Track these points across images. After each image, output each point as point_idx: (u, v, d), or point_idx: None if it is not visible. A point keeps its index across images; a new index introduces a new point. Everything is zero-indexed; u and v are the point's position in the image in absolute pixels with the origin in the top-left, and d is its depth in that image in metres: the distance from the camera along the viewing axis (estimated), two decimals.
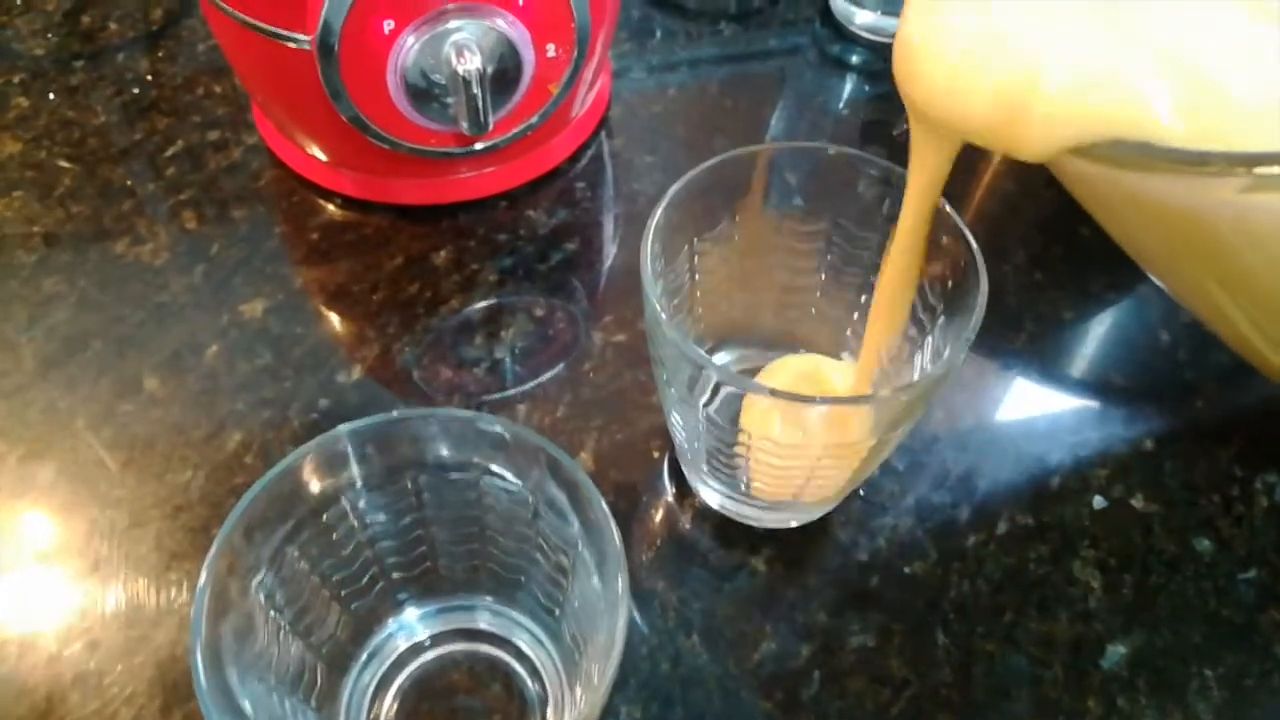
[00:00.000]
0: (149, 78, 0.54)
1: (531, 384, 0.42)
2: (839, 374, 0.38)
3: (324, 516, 0.28)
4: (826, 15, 0.59)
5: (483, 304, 0.44)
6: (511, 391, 0.41)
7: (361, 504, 0.29)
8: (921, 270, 0.32)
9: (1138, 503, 0.39)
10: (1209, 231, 0.26)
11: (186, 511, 0.38)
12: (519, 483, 0.29)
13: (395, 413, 0.28)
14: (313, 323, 0.43)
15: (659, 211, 0.31)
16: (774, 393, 0.28)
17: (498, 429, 0.27)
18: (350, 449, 0.28)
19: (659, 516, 0.38)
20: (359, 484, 0.28)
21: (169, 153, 0.50)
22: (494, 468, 0.29)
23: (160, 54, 0.55)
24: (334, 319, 0.44)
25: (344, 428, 0.27)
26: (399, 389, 0.41)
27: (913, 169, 0.29)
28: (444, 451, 0.28)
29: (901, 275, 0.31)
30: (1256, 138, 0.22)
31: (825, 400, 0.29)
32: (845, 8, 0.57)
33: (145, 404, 0.41)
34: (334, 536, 0.29)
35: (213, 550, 0.25)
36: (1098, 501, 0.39)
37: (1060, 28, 0.24)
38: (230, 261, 0.45)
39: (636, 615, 0.36)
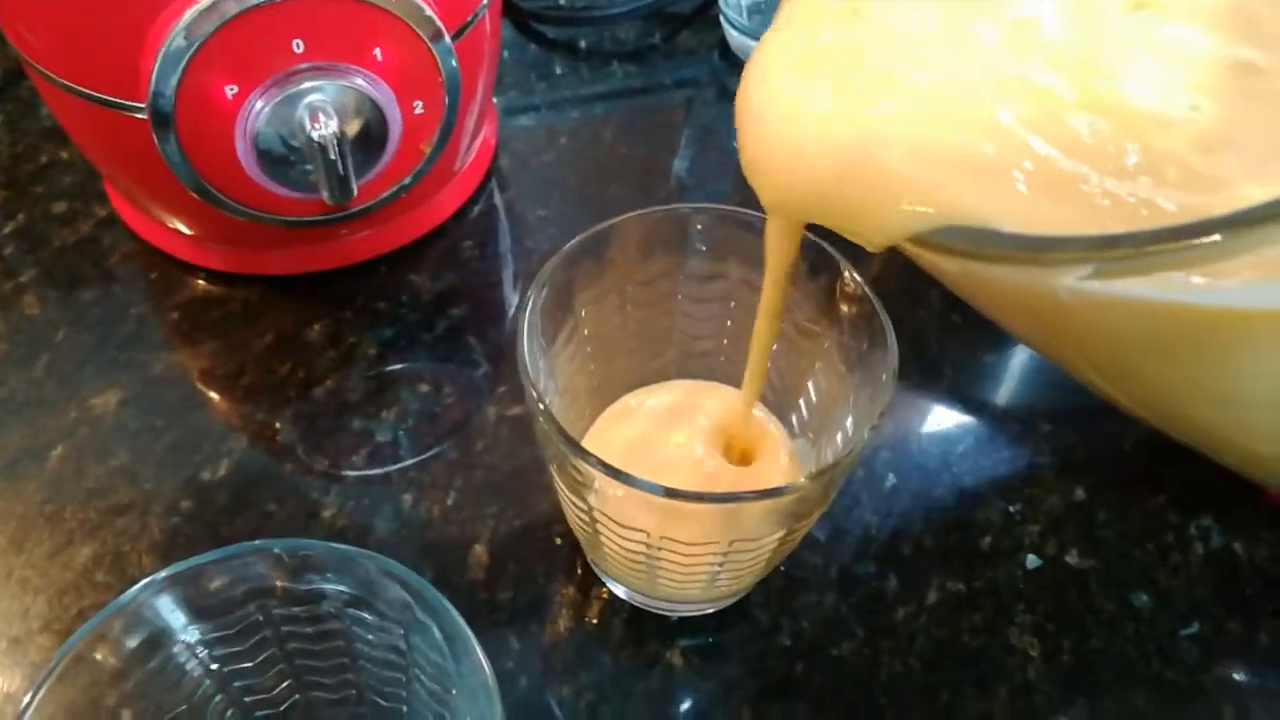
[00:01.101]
0: None
1: (418, 469, 0.38)
2: (716, 399, 0.36)
3: (152, 665, 0.24)
4: (724, 49, 0.57)
5: (362, 381, 0.40)
6: (395, 479, 0.38)
7: (200, 651, 0.25)
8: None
9: (1072, 559, 0.37)
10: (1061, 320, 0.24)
11: (26, 644, 0.33)
12: (381, 618, 0.25)
13: (226, 550, 0.24)
14: (174, 414, 0.39)
15: (530, 304, 0.29)
16: (670, 493, 0.25)
17: (356, 559, 0.24)
18: (174, 595, 0.24)
19: (564, 612, 0.35)
20: (189, 631, 0.25)
21: (7, 229, 0.45)
22: (353, 603, 0.25)
23: None
24: (198, 408, 0.40)
25: (162, 574, 0.23)
26: (269, 486, 0.37)
27: (769, 248, 0.28)
28: (291, 585, 0.25)
29: (769, 329, 0.31)
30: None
31: (722, 498, 0.26)
32: (742, 41, 0.54)
33: None
34: (174, 685, 0.25)
35: None
36: (1031, 561, 0.37)
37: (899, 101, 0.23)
38: (79, 350, 0.41)
39: None
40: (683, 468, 0.33)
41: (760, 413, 0.35)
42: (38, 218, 0.46)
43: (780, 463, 0.34)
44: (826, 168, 0.24)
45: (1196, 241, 0.18)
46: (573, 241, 0.31)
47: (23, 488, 0.37)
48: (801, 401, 0.34)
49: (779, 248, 0.28)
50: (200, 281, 0.43)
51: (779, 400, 0.35)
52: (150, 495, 0.37)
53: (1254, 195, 0.19)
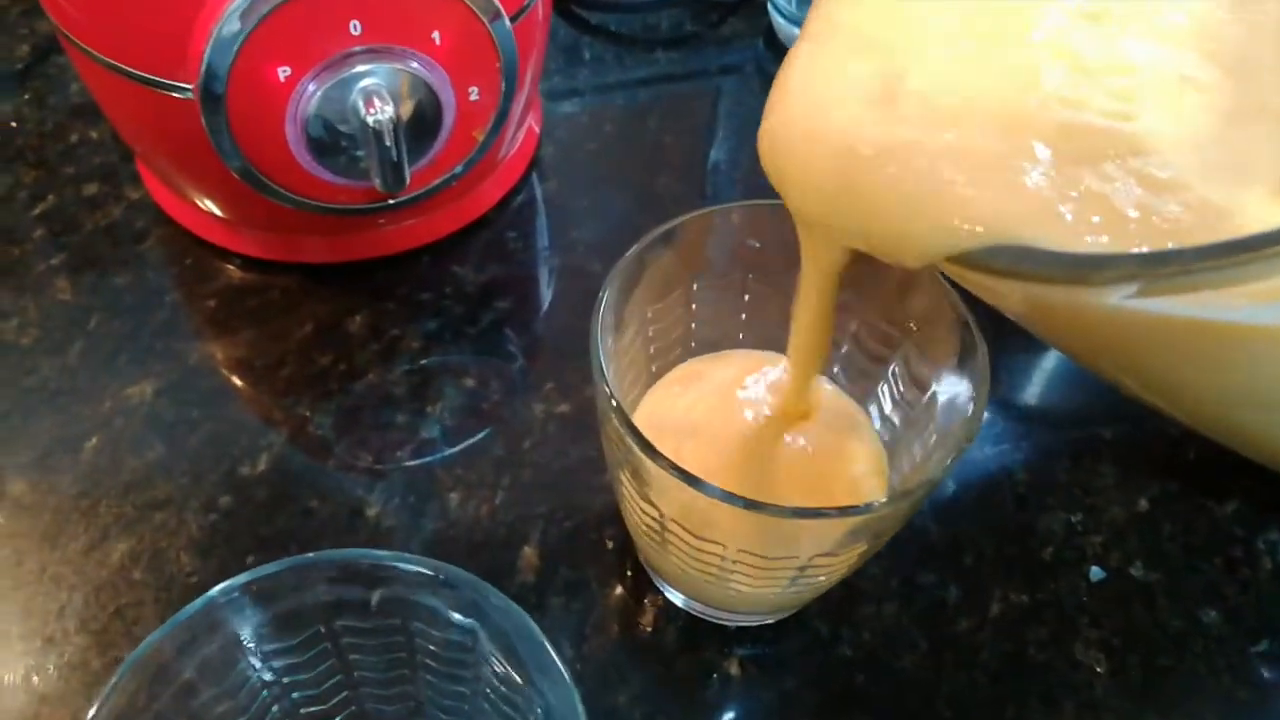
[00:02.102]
0: (13, 124, 0.47)
1: (464, 467, 0.37)
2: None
3: (216, 676, 0.23)
4: (770, 36, 0.55)
5: (405, 375, 0.39)
6: (441, 476, 0.36)
7: (260, 661, 0.24)
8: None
9: (1137, 571, 0.36)
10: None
11: (61, 644, 0.32)
12: (453, 628, 0.24)
13: (295, 559, 0.23)
14: (211, 406, 0.38)
15: (601, 302, 0.28)
16: (750, 505, 0.24)
17: (423, 570, 0.23)
18: (244, 605, 0.23)
19: (618, 618, 0.34)
20: (255, 641, 0.23)
21: (36, 211, 0.44)
22: (420, 613, 0.24)
23: (26, 96, 0.49)
24: (236, 400, 0.38)
25: (236, 583, 0.22)
26: (310, 483, 0.36)
27: (805, 268, 0.28)
28: (359, 597, 0.24)
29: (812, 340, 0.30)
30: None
31: (811, 513, 0.24)
32: (789, 29, 0.53)
33: (11, 512, 0.35)
34: (234, 695, 0.24)
35: None
36: (1095, 573, 0.36)
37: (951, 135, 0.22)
38: (113, 337, 0.40)
39: None
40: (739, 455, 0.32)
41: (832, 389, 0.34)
42: (68, 200, 0.44)
43: (855, 454, 0.33)
44: (873, 183, 0.23)
45: (1244, 257, 0.17)
46: (641, 241, 0.29)
47: (57, 480, 0.36)
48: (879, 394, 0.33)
49: (822, 263, 0.27)
50: (235, 268, 0.42)
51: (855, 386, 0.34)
52: (187, 490, 0.36)
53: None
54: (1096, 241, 0.20)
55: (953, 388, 0.28)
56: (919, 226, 0.22)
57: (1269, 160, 0.21)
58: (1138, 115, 0.21)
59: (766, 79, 0.53)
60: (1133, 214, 0.19)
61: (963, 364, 0.28)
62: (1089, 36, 0.23)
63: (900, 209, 0.22)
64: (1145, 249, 0.18)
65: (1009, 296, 0.23)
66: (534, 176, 0.47)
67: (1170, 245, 0.19)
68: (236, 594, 0.22)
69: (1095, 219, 0.20)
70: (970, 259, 0.21)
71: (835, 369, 0.34)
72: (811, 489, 0.31)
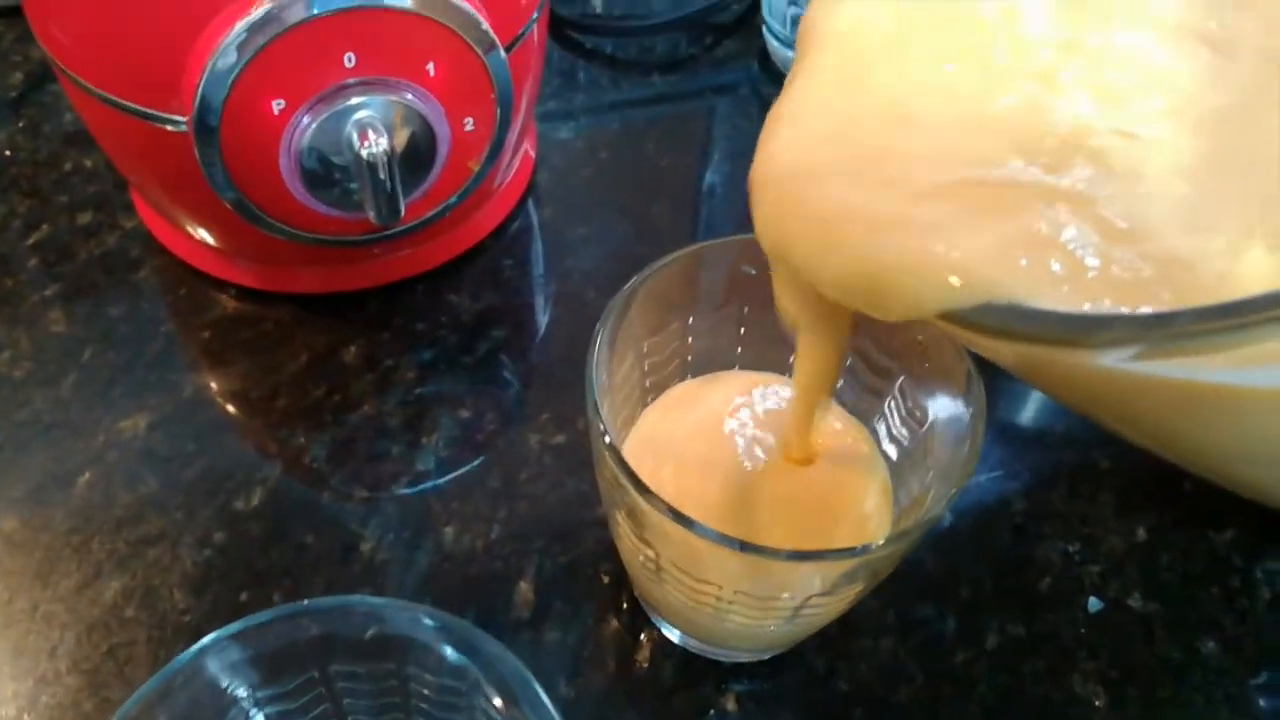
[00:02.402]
0: (7, 152, 0.47)
1: (460, 500, 0.37)
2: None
3: None
4: (764, 59, 0.55)
5: (400, 406, 0.39)
6: (436, 510, 0.36)
7: (254, 707, 0.24)
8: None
9: (1135, 602, 0.36)
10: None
11: (54, 684, 0.32)
12: (447, 671, 0.24)
13: (286, 608, 0.22)
14: (205, 439, 0.38)
15: (599, 333, 0.27)
16: (744, 546, 0.24)
17: (423, 619, 0.23)
18: (234, 653, 0.22)
19: (613, 654, 0.34)
20: (248, 688, 0.23)
21: (30, 241, 0.43)
22: (414, 656, 0.24)
23: (20, 124, 0.48)
24: (230, 433, 0.38)
25: (226, 632, 0.22)
26: (305, 517, 0.36)
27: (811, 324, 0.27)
28: (349, 642, 0.23)
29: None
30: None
31: (808, 556, 0.24)
32: (783, 52, 0.53)
33: (2, 549, 0.35)
34: None
35: None
36: (1093, 604, 0.36)
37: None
38: (106, 369, 0.39)
39: None
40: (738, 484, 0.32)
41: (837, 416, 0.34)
42: (62, 229, 0.44)
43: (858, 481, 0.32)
44: (858, 240, 0.22)
45: (1241, 320, 0.16)
46: (638, 276, 0.29)
47: (49, 515, 0.35)
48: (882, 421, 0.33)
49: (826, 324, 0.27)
50: (230, 298, 0.42)
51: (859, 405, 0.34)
52: (181, 525, 0.36)
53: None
54: (1060, 294, 0.19)
55: (950, 423, 0.28)
56: (907, 284, 0.21)
57: (1235, 210, 0.21)
58: (1109, 167, 0.21)
59: (761, 100, 0.54)
60: (1092, 263, 0.19)
61: (960, 396, 0.28)
62: (1056, 96, 0.23)
63: (889, 272, 0.21)
64: (1148, 310, 0.18)
65: (999, 350, 0.22)
66: (530, 203, 0.47)
67: (1151, 308, 0.18)
68: (226, 643, 0.22)
69: (1056, 267, 0.20)
70: (958, 317, 0.20)
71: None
72: (814, 528, 0.31)
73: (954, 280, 0.20)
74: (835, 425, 0.33)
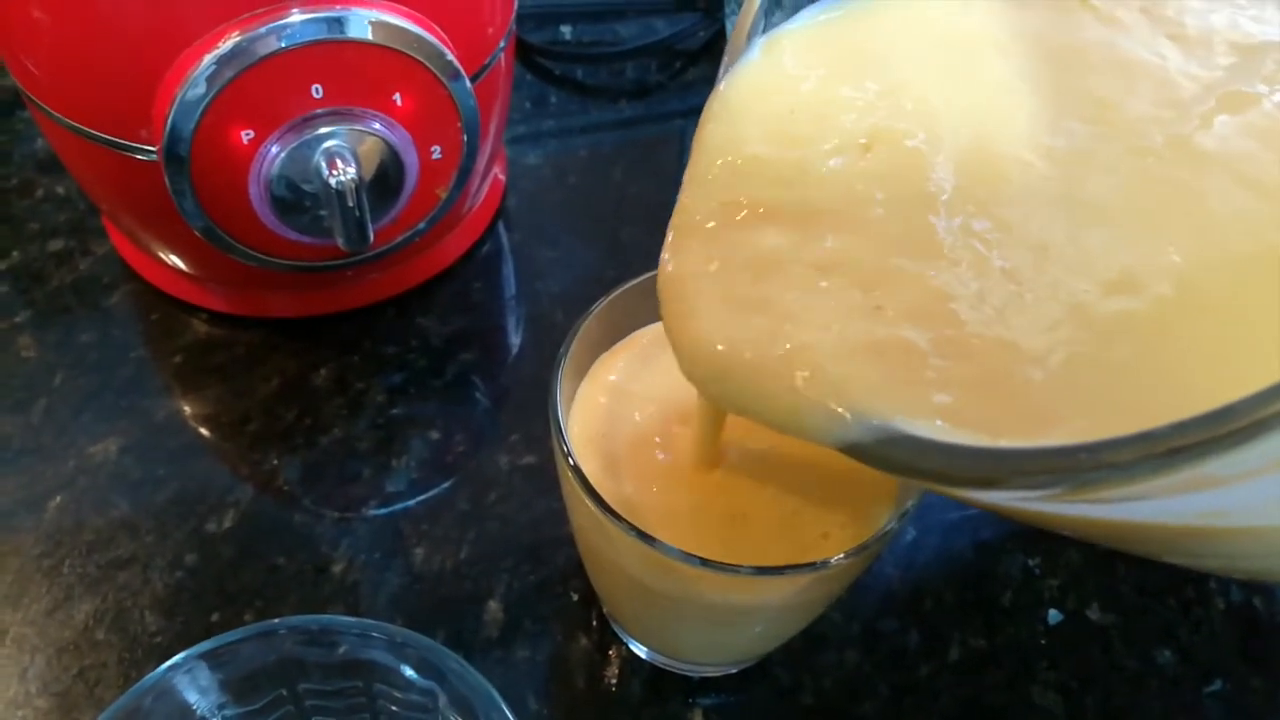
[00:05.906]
0: None
1: (430, 521, 0.37)
2: None
3: None
4: None
5: (371, 429, 0.40)
6: (407, 531, 0.37)
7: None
8: None
9: (1094, 614, 0.37)
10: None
11: (24, 707, 0.32)
12: (414, 690, 0.24)
13: (250, 628, 0.23)
14: (176, 462, 0.38)
15: (559, 364, 0.28)
16: (705, 563, 0.25)
17: (392, 639, 0.23)
18: (203, 672, 0.23)
19: (582, 671, 0.34)
20: (216, 707, 0.24)
21: (2, 265, 0.44)
22: (381, 675, 0.24)
23: None
24: (202, 456, 0.38)
25: (195, 651, 0.22)
26: (276, 539, 0.36)
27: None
28: (317, 661, 0.24)
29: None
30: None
31: (767, 571, 0.25)
32: None
33: None
34: None
35: None
36: (1053, 616, 0.37)
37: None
38: (77, 394, 0.40)
39: None
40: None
41: None
42: (33, 255, 0.44)
43: None
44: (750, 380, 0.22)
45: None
46: (600, 302, 0.30)
47: (20, 540, 0.36)
48: None
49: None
50: (202, 323, 0.42)
51: None
52: (152, 548, 0.36)
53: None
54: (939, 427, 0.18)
55: None
56: (802, 410, 0.21)
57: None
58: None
59: None
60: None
61: None
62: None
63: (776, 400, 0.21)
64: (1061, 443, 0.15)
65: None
66: (500, 226, 0.47)
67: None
68: (195, 661, 0.22)
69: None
70: (862, 451, 0.19)
71: None
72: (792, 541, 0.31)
73: (842, 409, 0.19)
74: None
